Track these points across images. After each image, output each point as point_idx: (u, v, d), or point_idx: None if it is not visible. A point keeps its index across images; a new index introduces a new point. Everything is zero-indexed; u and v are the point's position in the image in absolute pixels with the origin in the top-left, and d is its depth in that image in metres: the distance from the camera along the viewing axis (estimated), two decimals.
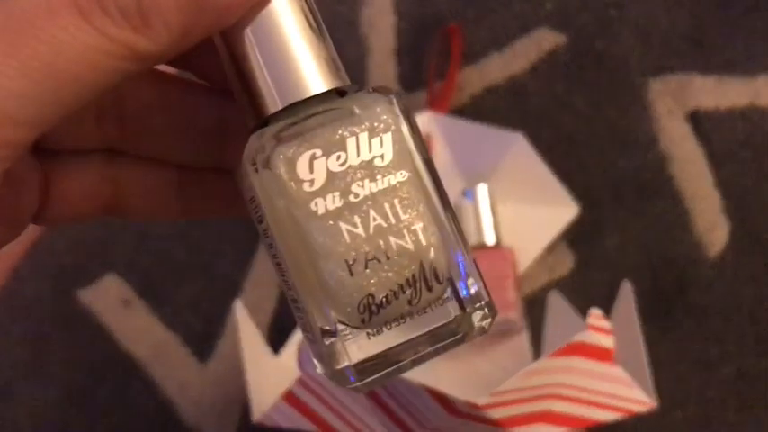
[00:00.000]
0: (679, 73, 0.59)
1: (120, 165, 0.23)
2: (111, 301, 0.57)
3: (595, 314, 0.40)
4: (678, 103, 0.58)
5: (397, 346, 0.19)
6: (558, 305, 0.52)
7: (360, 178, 0.19)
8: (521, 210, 0.55)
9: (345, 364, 0.19)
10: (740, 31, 0.59)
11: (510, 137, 0.54)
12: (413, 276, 0.19)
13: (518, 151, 0.54)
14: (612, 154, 0.58)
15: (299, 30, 0.20)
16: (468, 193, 0.54)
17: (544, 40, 0.60)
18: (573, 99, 0.59)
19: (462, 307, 0.20)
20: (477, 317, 0.20)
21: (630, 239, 0.56)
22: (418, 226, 0.19)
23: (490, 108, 0.59)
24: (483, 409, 0.36)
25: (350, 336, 0.19)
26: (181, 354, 0.55)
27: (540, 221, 0.55)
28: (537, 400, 0.39)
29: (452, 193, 0.54)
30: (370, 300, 0.19)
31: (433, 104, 0.57)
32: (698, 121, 0.58)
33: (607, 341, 0.40)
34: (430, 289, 0.19)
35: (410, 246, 0.19)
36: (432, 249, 0.20)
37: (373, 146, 0.19)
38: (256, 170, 0.19)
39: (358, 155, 0.19)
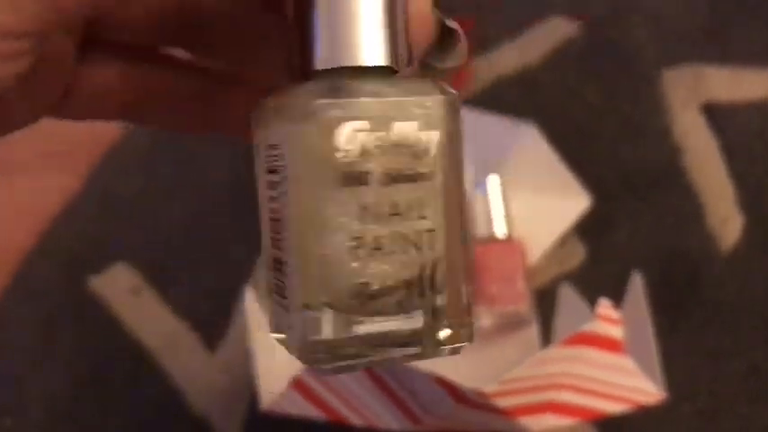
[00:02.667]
0: (694, 64, 0.58)
1: (148, 64, 0.23)
2: (121, 289, 0.57)
3: (605, 304, 0.40)
4: (692, 94, 0.58)
5: (368, 340, 0.19)
6: (568, 298, 0.52)
7: (393, 166, 0.18)
8: (532, 201, 0.54)
9: (320, 338, 0.18)
10: (757, 22, 0.59)
11: (522, 127, 0.54)
12: (412, 278, 0.19)
13: (530, 142, 0.54)
14: (625, 145, 0.57)
15: None
16: (480, 185, 0.53)
17: (557, 30, 0.60)
18: (585, 90, 0.58)
19: (433, 320, 0.19)
20: (444, 335, 0.19)
21: (642, 232, 0.55)
22: (434, 232, 0.19)
23: (502, 98, 0.59)
24: (491, 397, 0.36)
25: (328, 315, 0.18)
26: (190, 342, 0.55)
27: (552, 213, 0.54)
28: (545, 389, 0.39)
29: None
30: (364, 288, 0.18)
31: None
32: (712, 112, 0.57)
33: (616, 331, 0.40)
34: (422, 295, 0.19)
35: (420, 248, 0.19)
36: (438, 259, 0.19)
37: (418, 139, 0.18)
38: (292, 121, 0.18)
39: (399, 142, 0.18)
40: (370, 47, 0.19)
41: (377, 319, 0.19)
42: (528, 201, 0.55)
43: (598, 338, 0.39)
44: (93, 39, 0.22)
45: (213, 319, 0.56)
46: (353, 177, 0.18)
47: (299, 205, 0.18)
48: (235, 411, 0.53)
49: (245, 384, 0.53)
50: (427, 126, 0.19)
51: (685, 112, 0.58)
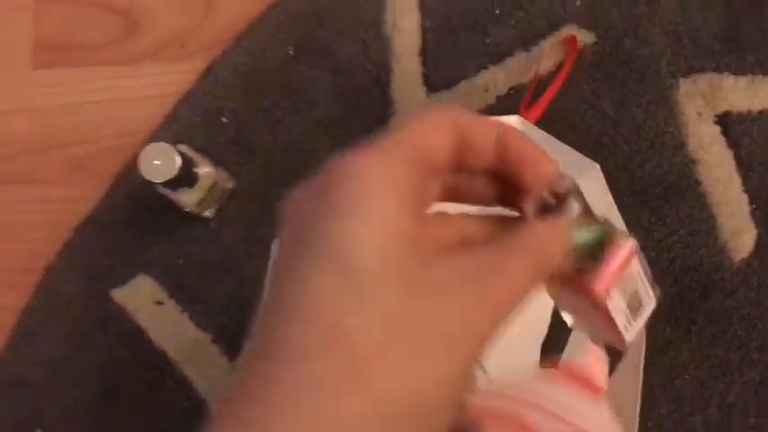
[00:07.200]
0: (710, 73, 0.57)
1: None
2: (143, 301, 0.58)
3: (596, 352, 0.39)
4: (708, 104, 0.57)
5: None
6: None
7: None
8: None
9: None
10: None
11: (587, 164, 0.51)
12: None
13: (591, 179, 0.50)
14: (639, 156, 0.57)
15: None
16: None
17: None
18: (600, 100, 0.58)
19: None
20: None
21: (654, 243, 0.55)
22: None
23: (515, 108, 0.58)
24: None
25: None
26: (211, 353, 0.57)
27: None
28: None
29: None
30: None
31: (525, 110, 0.56)
32: (728, 123, 0.56)
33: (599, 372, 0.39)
34: None
35: None
36: None
37: None
38: None
39: None
40: None
41: None
42: None
43: (581, 379, 0.38)
44: None
45: (234, 331, 0.57)
46: None
47: None
48: None
49: None
50: None
51: (701, 122, 0.57)
